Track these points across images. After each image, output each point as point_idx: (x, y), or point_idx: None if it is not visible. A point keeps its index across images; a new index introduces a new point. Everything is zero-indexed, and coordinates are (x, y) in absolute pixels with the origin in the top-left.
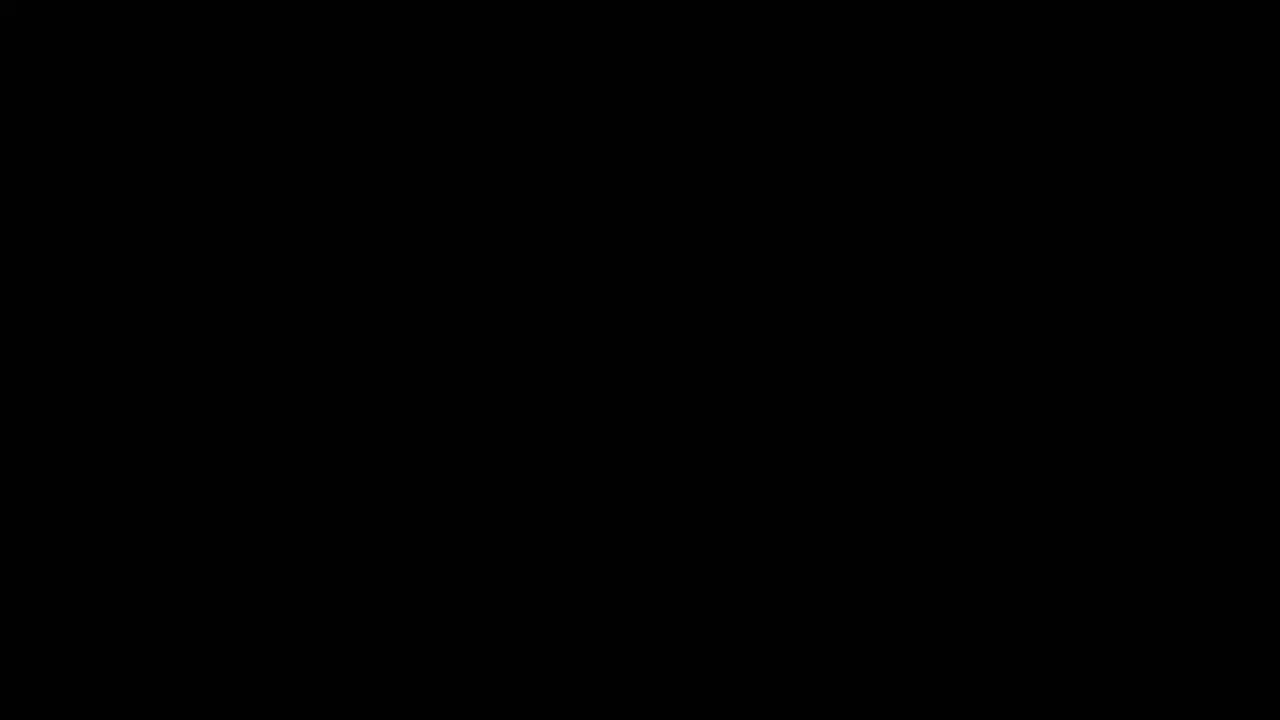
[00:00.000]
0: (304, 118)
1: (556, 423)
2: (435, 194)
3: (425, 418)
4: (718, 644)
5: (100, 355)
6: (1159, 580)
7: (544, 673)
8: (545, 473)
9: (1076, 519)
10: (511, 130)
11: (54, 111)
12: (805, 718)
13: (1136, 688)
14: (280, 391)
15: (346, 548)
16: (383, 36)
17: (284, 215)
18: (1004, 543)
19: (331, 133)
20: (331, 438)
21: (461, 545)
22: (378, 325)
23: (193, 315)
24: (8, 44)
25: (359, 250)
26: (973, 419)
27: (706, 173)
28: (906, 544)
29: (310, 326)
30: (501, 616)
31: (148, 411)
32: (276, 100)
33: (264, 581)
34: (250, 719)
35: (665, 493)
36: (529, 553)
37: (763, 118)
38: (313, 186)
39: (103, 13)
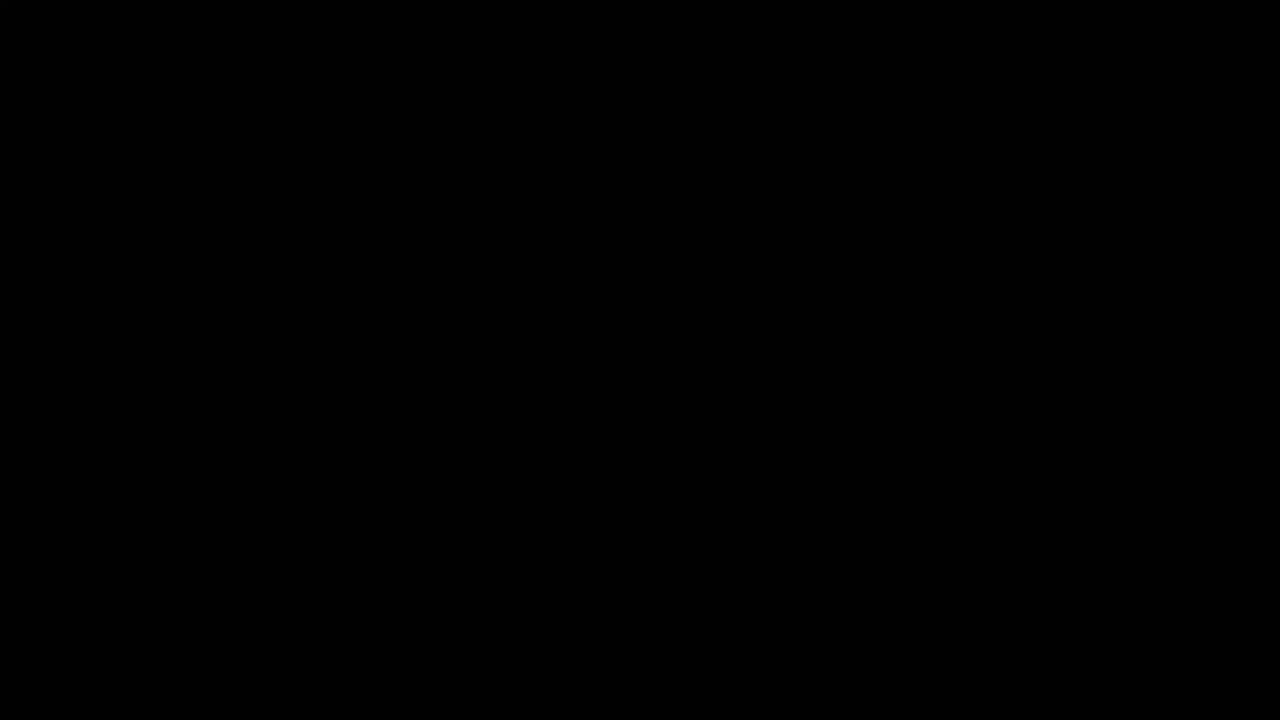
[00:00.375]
0: (304, 118)
1: (556, 423)
2: (435, 194)
3: (425, 417)
4: (718, 644)
5: (100, 355)
6: (1159, 580)
7: (544, 673)
8: (545, 473)
9: (1076, 519)
10: (512, 130)
11: (53, 111)
12: (805, 718)
13: (1136, 688)
14: (280, 391)
15: (346, 548)
16: (383, 36)
17: (284, 215)
18: (1004, 543)
19: (332, 133)
20: (331, 437)
21: (462, 545)
22: (377, 325)
23: (192, 315)
24: (7, 43)
25: (359, 250)
26: (973, 419)
27: (706, 173)
28: (906, 544)
29: (310, 326)
30: (501, 617)
31: (148, 411)
32: (276, 100)
33: (264, 582)
34: (250, 718)
35: (665, 493)
36: (529, 553)
37: (762, 118)
38: (313, 186)
39: (103, 12)
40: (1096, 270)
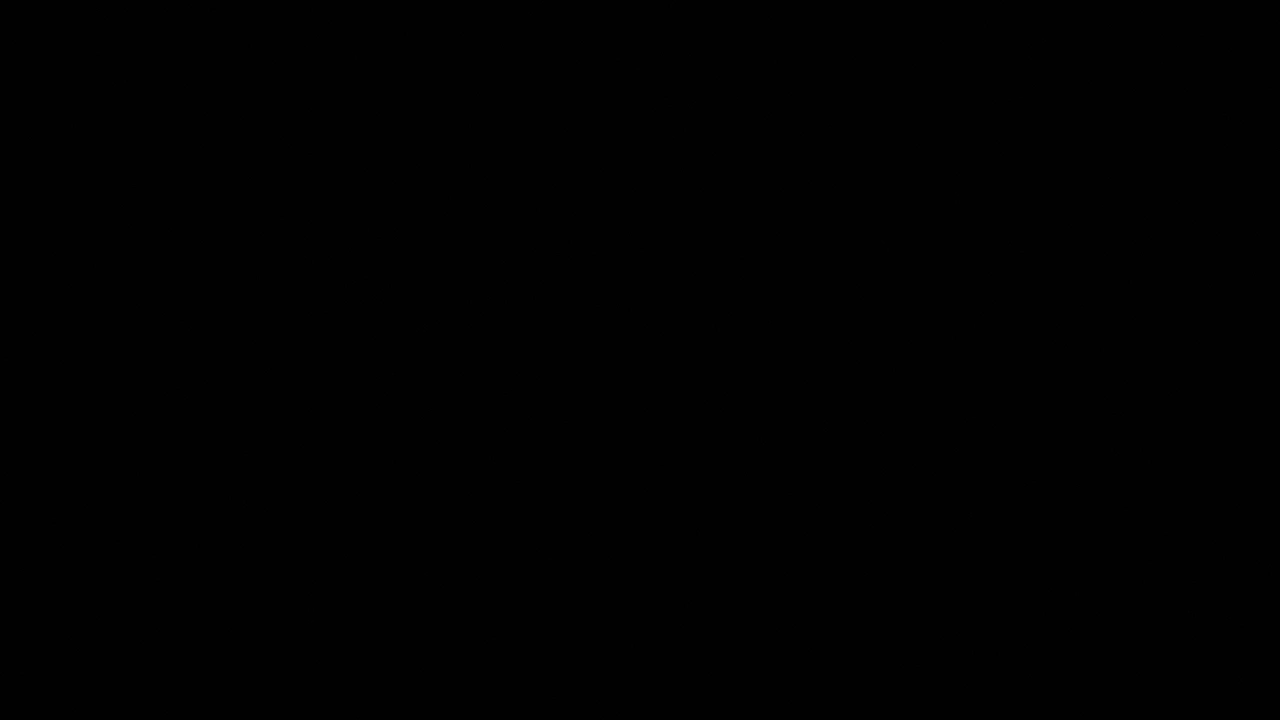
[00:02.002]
0: (303, 118)
1: (556, 423)
2: (435, 194)
3: (425, 418)
4: (718, 644)
5: (100, 355)
6: (1159, 580)
7: (544, 673)
8: (545, 473)
9: (1077, 519)
10: (511, 130)
11: (52, 111)
12: (805, 717)
13: (1136, 688)
14: (280, 391)
15: (347, 548)
16: (383, 36)
17: (283, 215)
18: (1004, 543)
19: (331, 133)
20: (331, 438)
21: (462, 545)
22: (377, 325)
23: (192, 315)
24: (7, 43)
25: (359, 250)
26: (972, 419)
27: (705, 173)
28: (905, 544)
29: (310, 326)
30: (501, 617)
31: (148, 411)
32: (276, 100)
33: (264, 581)
34: (250, 718)
35: (665, 493)
36: (529, 553)
37: (761, 118)
38: (312, 186)
39: (102, 12)
40: (1095, 270)
